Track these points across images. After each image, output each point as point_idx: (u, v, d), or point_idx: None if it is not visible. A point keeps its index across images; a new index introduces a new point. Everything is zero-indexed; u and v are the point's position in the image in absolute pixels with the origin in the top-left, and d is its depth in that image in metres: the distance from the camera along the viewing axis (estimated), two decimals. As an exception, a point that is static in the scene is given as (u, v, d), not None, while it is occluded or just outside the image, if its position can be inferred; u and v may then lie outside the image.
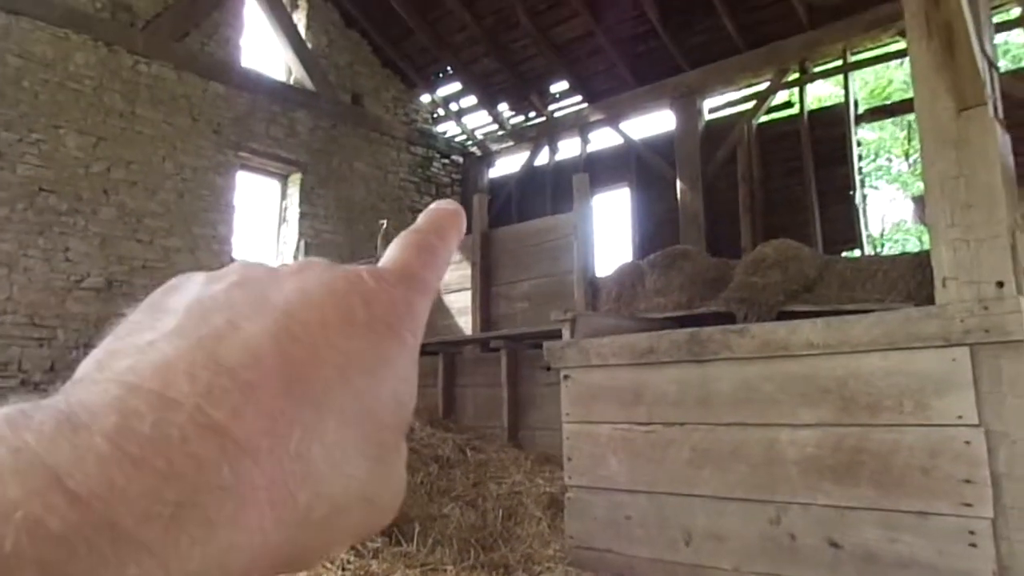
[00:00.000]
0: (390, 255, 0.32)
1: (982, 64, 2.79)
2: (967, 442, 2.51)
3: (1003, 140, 2.82)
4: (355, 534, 0.27)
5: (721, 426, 3.14)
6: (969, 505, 2.48)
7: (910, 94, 4.64)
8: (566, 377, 3.71)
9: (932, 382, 2.61)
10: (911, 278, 4.41)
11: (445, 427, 6.61)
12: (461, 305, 7.70)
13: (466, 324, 7.57)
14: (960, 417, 2.53)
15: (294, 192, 10.45)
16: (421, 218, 0.34)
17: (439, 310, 7.99)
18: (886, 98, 16.21)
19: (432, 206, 0.35)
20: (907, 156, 18.85)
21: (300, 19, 10.94)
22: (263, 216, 10.53)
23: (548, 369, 4.90)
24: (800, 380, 2.95)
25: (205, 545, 0.21)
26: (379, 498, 0.27)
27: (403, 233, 0.33)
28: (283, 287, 0.27)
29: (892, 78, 17.49)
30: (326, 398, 0.25)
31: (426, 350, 7.62)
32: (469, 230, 8.23)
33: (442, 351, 7.43)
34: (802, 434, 2.90)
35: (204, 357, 0.24)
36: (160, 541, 0.20)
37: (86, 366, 0.25)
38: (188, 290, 0.28)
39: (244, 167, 9.92)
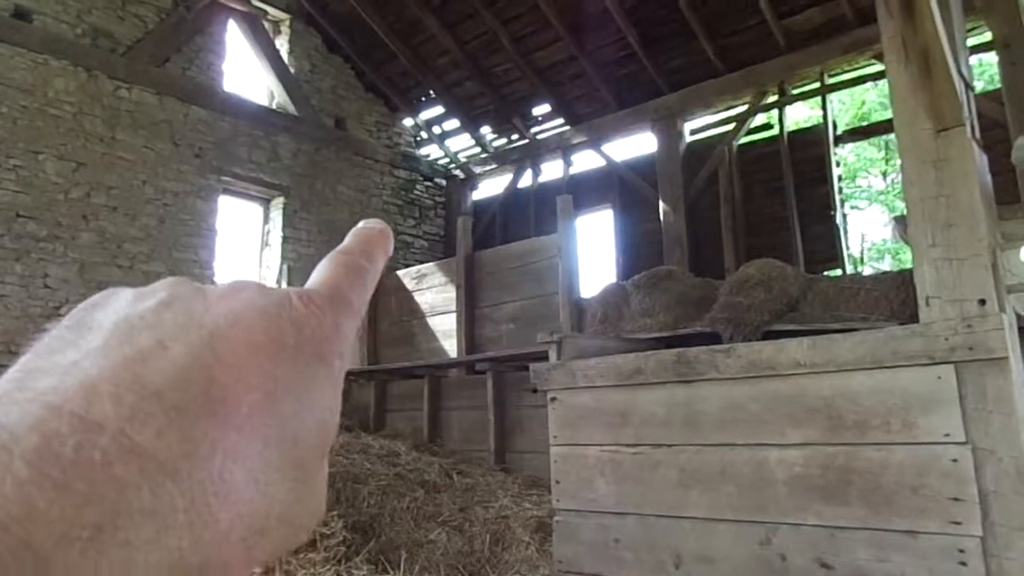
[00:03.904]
0: (318, 276, 0.32)
1: (959, 85, 2.82)
2: (954, 460, 2.52)
3: (981, 160, 2.85)
4: (272, 552, 0.27)
5: (709, 447, 3.13)
6: (958, 523, 2.48)
7: (887, 115, 4.70)
8: (553, 399, 3.69)
9: (918, 400, 2.62)
10: (894, 297, 4.44)
11: (431, 451, 6.57)
12: (446, 328, 7.67)
13: (451, 347, 7.55)
14: (947, 435, 2.54)
15: (277, 216, 10.42)
16: (348, 238, 0.34)
17: (424, 333, 7.97)
18: (863, 119, 16.45)
19: (359, 225, 0.35)
20: (884, 176, 19.09)
21: (283, 44, 10.96)
22: (245, 240, 10.49)
23: (535, 391, 4.88)
24: (787, 399, 2.94)
25: (124, 566, 0.21)
26: (298, 518, 0.27)
27: (332, 253, 0.33)
28: (213, 308, 0.27)
29: (866, 100, 17.75)
30: (251, 422, 0.25)
31: (412, 373, 7.59)
32: (453, 252, 8.24)
33: (427, 374, 7.39)
34: (790, 453, 2.90)
35: (129, 379, 0.24)
36: (78, 563, 0.20)
37: (4, 384, 0.25)
38: (114, 307, 0.28)
39: (226, 191, 9.89)
